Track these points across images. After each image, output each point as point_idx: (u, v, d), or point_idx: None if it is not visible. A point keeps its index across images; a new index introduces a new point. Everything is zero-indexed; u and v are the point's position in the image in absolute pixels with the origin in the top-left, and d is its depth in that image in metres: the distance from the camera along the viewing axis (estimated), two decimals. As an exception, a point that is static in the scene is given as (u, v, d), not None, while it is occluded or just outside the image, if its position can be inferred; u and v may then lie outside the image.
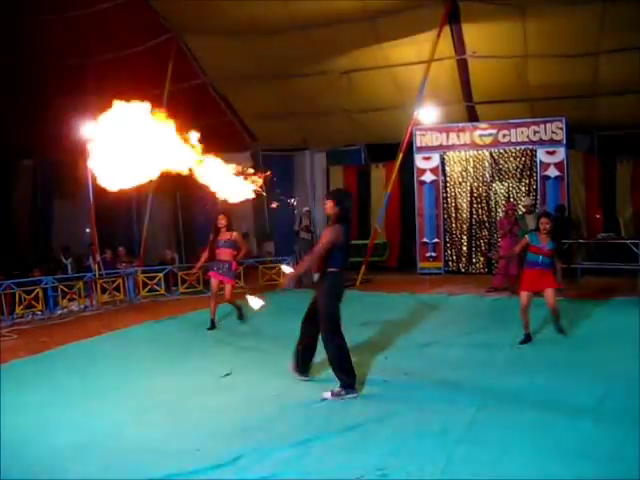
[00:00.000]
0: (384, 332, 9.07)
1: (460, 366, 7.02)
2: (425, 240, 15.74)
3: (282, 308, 11.18)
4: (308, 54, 15.32)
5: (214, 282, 9.94)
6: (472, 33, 14.05)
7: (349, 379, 6.12)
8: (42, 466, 4.70)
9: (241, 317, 10.10)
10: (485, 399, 5.84)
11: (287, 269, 7.89)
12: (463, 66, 15.01)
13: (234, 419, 5.61)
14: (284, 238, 17.93)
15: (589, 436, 4.93)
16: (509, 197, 15.24)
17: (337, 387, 6.08)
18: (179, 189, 20.03)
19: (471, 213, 15.67)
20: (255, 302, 6.94)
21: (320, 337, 6.33)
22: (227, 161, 20.74)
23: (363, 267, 14.52)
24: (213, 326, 9.87)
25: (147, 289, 13.48)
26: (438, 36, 13.75)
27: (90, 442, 5.15)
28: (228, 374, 7.10)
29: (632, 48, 13.36)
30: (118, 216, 19.12)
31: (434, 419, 5.39)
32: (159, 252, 17.44)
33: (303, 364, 6.68)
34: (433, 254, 15.66)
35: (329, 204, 6.31)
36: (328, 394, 6.06)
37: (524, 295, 8.15)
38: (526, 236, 8.49)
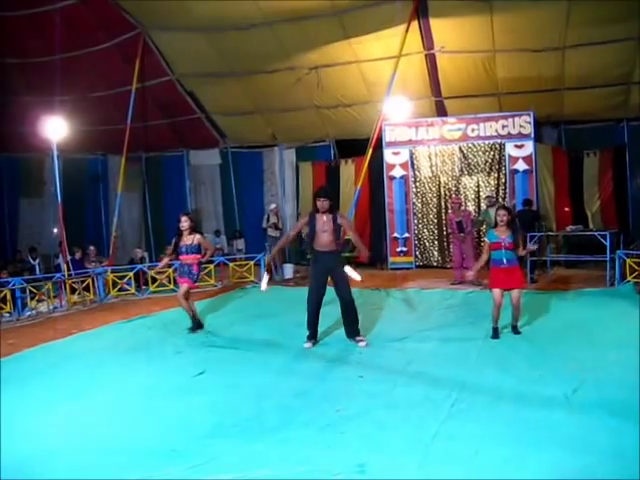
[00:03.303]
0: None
1: (434, 361, 7.05)
2: (396, 235, 15.78)
3: (256, 305, 11.17)
4: (276, 50, 15.27)
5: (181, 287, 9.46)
6: (440, 28, 14.09)
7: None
8: (12, 472, 4.57)
9: (197, 327, 9.39)
10: (460, 393, 5.85)
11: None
12: (431, 61, 15.05)
13: (209, 418, 5.55)
14: (254, 235, 17.96)
15: (564, 427, 4.97)
16: (478, 191, 15.35)
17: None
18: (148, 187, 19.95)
19: (440, 207, 15.69)
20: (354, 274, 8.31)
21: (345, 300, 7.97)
22: (195, 158, 20.59)
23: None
24: (199, 326, 9.38)
25: (117, 288, 13.34)
26: (407, 31, 13.76)
27: (61, 445, 5.06)
28: (201, 373, 7.03)
29: (596, 43, 13.56)
30: (86, 215, 18.97)
31: (410, 414, 5.40)
32: (128, 251, 17.34)
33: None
34: (404, 249, 15.70)
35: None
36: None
37: (497, 292, 8.04)
38: (485, 239, 8.51)
